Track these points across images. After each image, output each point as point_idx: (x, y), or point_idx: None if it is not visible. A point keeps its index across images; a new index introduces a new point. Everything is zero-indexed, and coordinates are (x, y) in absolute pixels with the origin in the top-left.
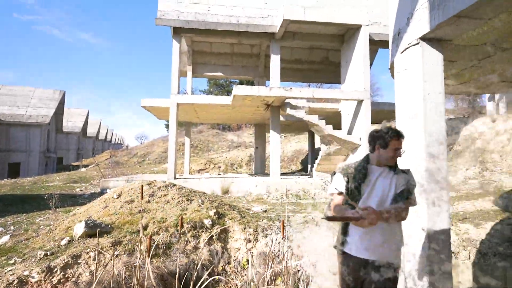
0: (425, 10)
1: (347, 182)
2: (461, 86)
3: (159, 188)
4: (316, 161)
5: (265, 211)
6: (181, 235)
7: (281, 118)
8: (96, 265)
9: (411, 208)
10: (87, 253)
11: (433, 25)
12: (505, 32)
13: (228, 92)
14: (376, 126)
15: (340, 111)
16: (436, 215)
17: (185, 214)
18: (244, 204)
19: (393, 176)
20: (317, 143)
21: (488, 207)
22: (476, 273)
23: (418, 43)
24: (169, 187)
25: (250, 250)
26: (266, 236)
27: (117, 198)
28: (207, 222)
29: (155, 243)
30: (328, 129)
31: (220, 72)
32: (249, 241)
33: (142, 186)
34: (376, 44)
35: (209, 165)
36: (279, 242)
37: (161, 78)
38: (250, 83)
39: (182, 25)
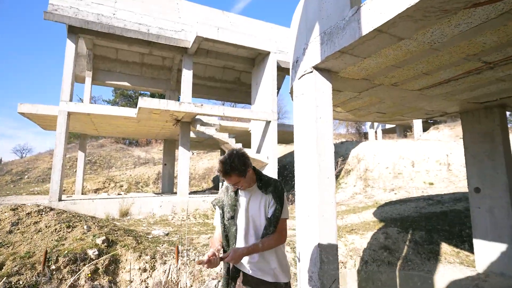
0: (317, 43)
1: (222, 215)
2: (348, 114)
3: (28, 214)
4: None
5: (167, 234)
6: (54, 272)
7: (192, 135)
8: None
9: (305, 223)
10: None
11: (322, 57)
12: (376, 70)
13: (137, 105)
14: (283, 146)
15: (250, 130)
16: (326, 228)
17: (63, 244)
18: (145, 227)
19: (262, 197)
20: None
21: (370, 218)
22: (360, 279)
23: (312, 72)
24: (43, 213)
25: (145, 281)
26: (165, 263)
27: None
28: (92, 253)
29: (11, 286)
30: (237, 147)
31: (126, 82)
32: (145, 270)
33: None
34: (284, 71)
35: (109, 184)
36: (179, 269)
37: (53, 82)
38: (162, 96)
39: (80, 24)
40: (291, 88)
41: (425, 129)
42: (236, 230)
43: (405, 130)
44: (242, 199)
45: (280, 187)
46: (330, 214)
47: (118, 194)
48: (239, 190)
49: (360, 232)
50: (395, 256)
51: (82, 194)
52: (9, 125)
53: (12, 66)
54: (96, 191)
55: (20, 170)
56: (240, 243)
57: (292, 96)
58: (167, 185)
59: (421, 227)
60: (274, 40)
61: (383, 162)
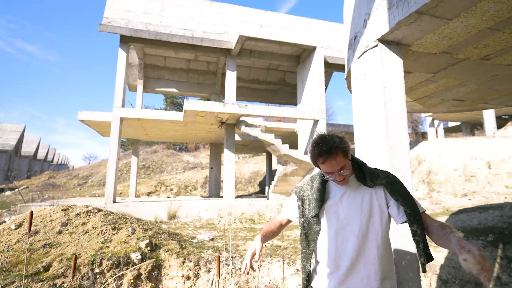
0: (383, 9)
1: (301, 208)
2: (414, 103)
3: (77, 214)
4: (273, 183)
5: (212, 239)
6: (98, 276)
7: (238, 138)
8: None
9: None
10: None
11: (391, 24)
12: (463, 38)
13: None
14: None
15: (296, 131)
16: (402, 235)
17: (108, 247)
18: (190, 231)
19: (365, 193)
20: (275, 164)
21: None
22: None
23: (376, 45)
24: (91, 213)
25: None
26: (209, 271)
27: (16, 229)
28: (135, 257)
29: None
30: (284, 148)
31: (174, 88)
32: (188, 278)
33: (31, 212)
34: (331, 67)
35: (160, 187)
36: (224, 278)
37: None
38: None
39: (130, 33)
40: (348, 71)
41: (499, 125)
42: (319, 230)
43: (472, 128)
44: (333, 195)
45: (397, 179)
46: None
47: (168, 197)
48: (327, 184)
49: (433, 243)
50: None
51: (136, 197)
52: (80, 136)
53: (80, 82)
54: (149, 194)
55: (85, 175)
56: (331, 253)
57: (349, 83)
58: (214, 189)
59: None
60: (320, 34)
61: (451, 163)
